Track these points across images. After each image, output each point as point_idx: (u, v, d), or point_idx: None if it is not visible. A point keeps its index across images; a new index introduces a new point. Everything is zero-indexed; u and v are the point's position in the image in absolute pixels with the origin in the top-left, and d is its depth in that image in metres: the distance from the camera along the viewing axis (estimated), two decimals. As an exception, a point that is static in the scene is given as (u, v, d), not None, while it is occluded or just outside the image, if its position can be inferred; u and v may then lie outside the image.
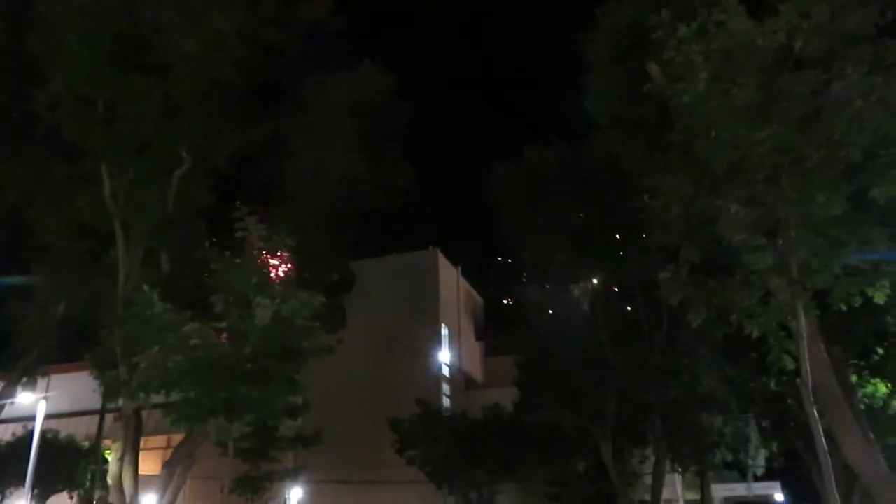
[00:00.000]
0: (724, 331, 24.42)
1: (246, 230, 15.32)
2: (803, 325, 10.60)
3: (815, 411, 10.66)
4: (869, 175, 10.02)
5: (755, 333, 11.32)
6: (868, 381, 25.04)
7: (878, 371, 24.65)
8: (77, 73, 18.51)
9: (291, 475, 33.58)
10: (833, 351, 12.64)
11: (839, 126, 9.76)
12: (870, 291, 11.04)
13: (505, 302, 44.65)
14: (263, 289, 14.70)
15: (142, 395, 15.84)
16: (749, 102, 10.23)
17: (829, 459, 10.61)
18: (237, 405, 14.66)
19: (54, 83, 19.08)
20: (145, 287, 15.14)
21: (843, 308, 11.31)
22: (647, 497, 29.56)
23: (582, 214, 25.47)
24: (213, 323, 15.08)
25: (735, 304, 11.34)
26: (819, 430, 10.56)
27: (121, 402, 19.79)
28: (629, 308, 28.54)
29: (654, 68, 13.33)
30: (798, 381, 11.19)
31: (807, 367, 10.73)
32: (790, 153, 10.09)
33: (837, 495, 10.49)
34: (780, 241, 10.63)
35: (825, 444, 10.48)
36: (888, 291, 10.96)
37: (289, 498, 37.08)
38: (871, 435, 14.42)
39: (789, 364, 11.31)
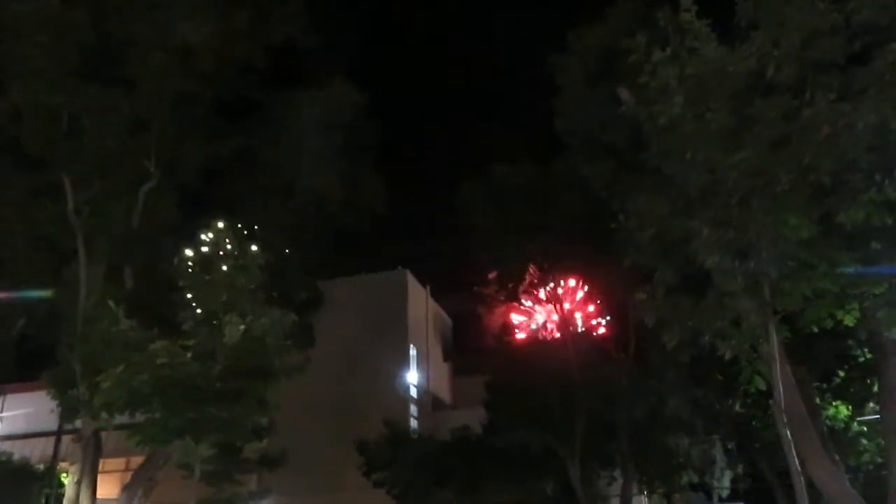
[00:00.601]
0: (691, 353, 24.80)
1: (215, 245, 15.02)
2: (775, 346, 10.74)
3: (787, 432, 10.77)
4: (837, 199, 10.25)
5: (728, 355, 11.44)
6: (830, 404, 25.50)
7: (840, 394, 25.11)
8: (41, 84, 18.10)
9: (256, 498, 32.80)
10: (798, 372, 12.83)
11: (809, 151, 9.98)
12: (839, 314, 11.25)
13: (473, 321, 44.63)
14: (233, 306, 14.40)
15: (104, 415, 15.32)
16: (722, 126, 10.44)
17: (802, 479, 10.71)
18: (205, 425, 14.28)
19: (17, 94, 18.63)
20: (110, 303, 14.72)
21: (815, 329, 11.50)
22: (615, 519, 29.55)
23: (550, 235, 25.61)
24: (181, 341, 14.70)
25: (708, 325, 11.44)
26: (792, 451, 10.68)
27: (79, 422, 19.17)
28: (596, 329, 28.71)
29: (625, 93, 13.53)
30: (771, 402, 11.32)
31: (779, 388, 10.88)
32: (762, 176, 10.28)
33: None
34: (752, 264, 10.79)
35: (798, 464, 10.57)
36: (857, 314, 11.17)
37: (252, 522, 36.23)
38: (836, 456, 14.62)
39: (760, 385, 11.45)
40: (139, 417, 14.80)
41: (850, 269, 10.21)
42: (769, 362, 10.89)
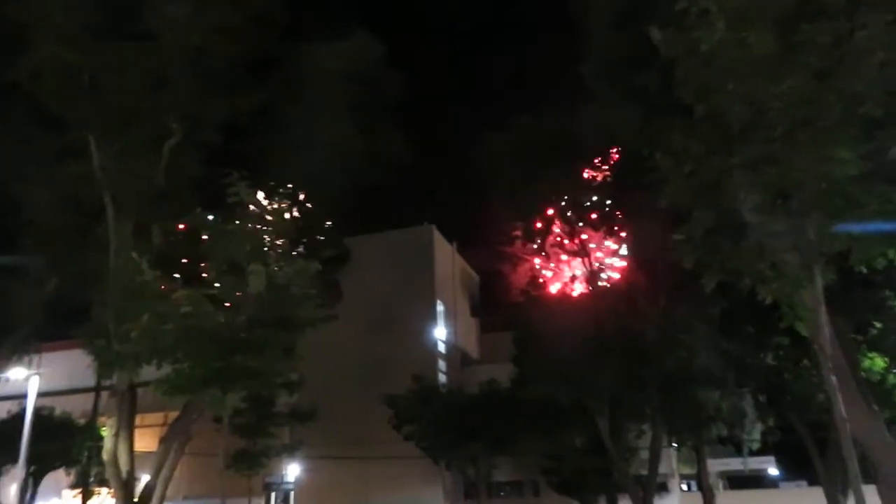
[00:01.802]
0: (723, 305, 24.40)
1: (238, 196, 14.89)
2: (820, 289, 10.31)
3: (833, 378, 10.41)
4: (889, 133, 9.62)
5: (768, 300, 10.99)
6: (865, 356, 24.97)
7: (876, 345, 24.54)
8: (60, 42, 17.93)
9: (288, 451, 33.58)
10: (835, 323, 12.38)
11: (860, 79, 9.33)
12: (891, 254, 10.71)
13: (500, 277, 44.48)
14: (257, 256, 14.31)
15: (133, 365, 15.45)
16: (767, 53, 9.79)
17: (848, 426, 10.37)
18: (231, 375, 14.32)
19: (37, 52, 18.50)
20: (134, 254, 14.73)
21: (863, 270, 10.97)
22: (643, 471, 29.62)
23: (577, 186, 25.13)
24: (207, 291, 14.68)
25: (748, 268, 10.97)
26: (838, 397, 10.31)
27: (115, 378, 19.52)
28: (626, 282, 28.33)
29: (656, 32, 12.91)
30: (816, 348, 10.89)
31: (825, 333, 10.45)
32: (809, 107, 9.66)
33: (856, 463, 10.27)
34: (795, 203, 10.27)
35: (844, 412, 10.23)
36: None
37: (286, 474, 37.15)
38: (875, 407, 14.25)
39: (803, 331, 11.00)
40: (166, 368, 14.89)
41: None
42: (814, 307, 10.45)
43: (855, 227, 9.95)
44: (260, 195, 15.51)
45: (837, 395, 10.27)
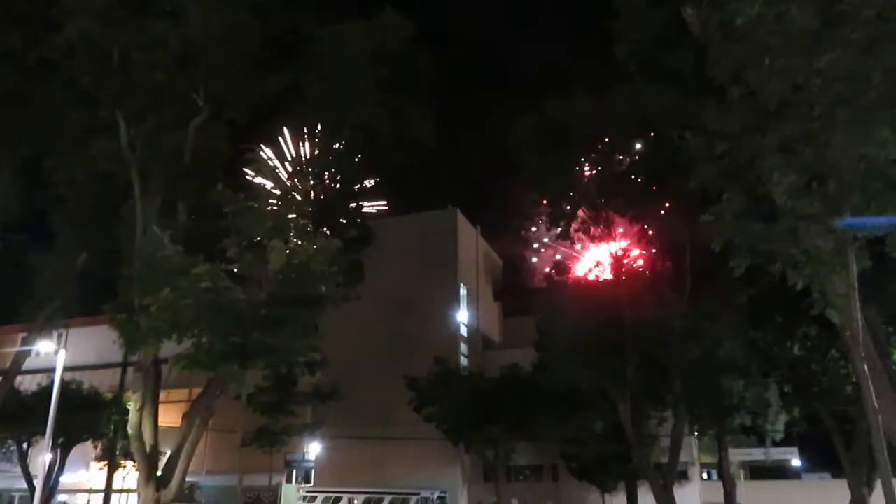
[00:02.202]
0: (749, 293, 24.05)
1: (260, 171, 14.93)
2: (854, 275, 10.04)
3: (864, 367, 10.16)
4: None
5: (799, 285, 10.73)
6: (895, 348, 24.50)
7: (907, 336, 24.01)
8: (92, 19, 18.05)
9: (309, 429, 33.93)
10: (866, 312, 12.08)
11: None
12: None
13: (524, 261, 44.32)
14: (278, 233, 14.32)
15: (154, 340, 15.58)
16: (807, 27, 9.48)
17: (879, 418, 10.14)
18: (250, 351, 14.36)
19: (68, 29, 18.66)
20: (156, 228, 14.83)
21: None
22: (664, 459, 29.46)
23: (605, 171, 24.83)
24: (227, 266, 14.73)
25: (781, 252, 10.69)
26: (869, 386, 10.08)
27: (140, 353, 19.79)
28: (652, 268, 28.04)
29: (689, 13, 12.62)
30: (848, 335, 10.63)
31: (858, 320, 10.20)
32: (850, 83, 9.34)
33: (886, 455, 10.05)
34: (832, 185, 9.98)
35: (875, 402, 10.00)
36: None
37: (307, 452, 37.58)
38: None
39: (834, 318, 10.73)
40: (186, 343, 14.97)
41: None
42: (847, 293, 10.17)
43: (893, 212, 9.64)
44: (283, 174, 15.51)
45: (869, 385, 10.03)
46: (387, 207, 35.97)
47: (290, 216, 14.81)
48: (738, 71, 10.55)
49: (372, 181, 23.69)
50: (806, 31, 9.59)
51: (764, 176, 10.69)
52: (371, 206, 29.58)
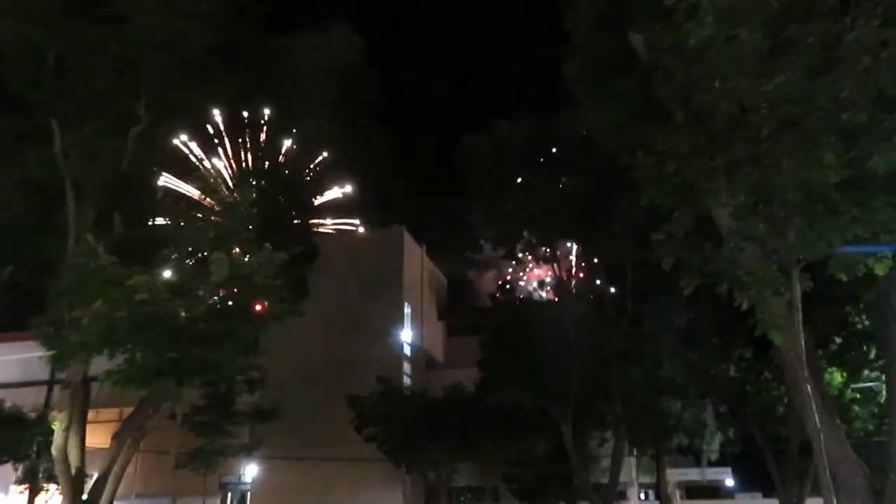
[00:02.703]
0: (688, 315, 24.65)
1: (203, 182, 14.47)
2: (798, 296, 10.33)
3: (808, 387, 10.43)
4: (872, 140, 9.66)
5: (745, 305, 10.97)
6: (825, 370, 25.43)
7: (835, 360, 25.00)
8: (27, 20, 17.35)
9: (246, 450, 32.92)
10: (803, 335, 12.47)
11: (847, 83, 9.38)
12: (870, 262, 10.74)
13: (468, 281, 44.48)
14: (221, 244, 13.85)
15: (83, 355, 14.80)
16: (757, 50, 9.80)
17: (822, 437, 10.38)
18: (187, 367, 13.78)
19: (3, 31, 17.88)
20: (89, 237, 14.18)
21: (844, 278, 11.04)
22: (604, 479, 29.73)
23: (551, 192, 25.15)
24: (166, 279, 14.16)
25: (727, 272, 10.93)
26: (812, 405, 10.33)
27: (67, 370, 18.87)
28: (594, 290, 28.49)
29: (636, 38, 12.94)
30: (791, 356, 10.90)
31: (800, 342, 10.48)
32: (797, 106, 9.68)
33: (829, 475, 10.28)
34: (776, 207, 10.28)
35: (818, 422, 10.24)
36: (890, 263, 10.66)
37: (243, 473, 36.43)
38: (838, 420, 14.42)
39: (778, 339, 10.99)
40: (118, 358, 14.25)
41: (885, 215, 9.64)
42: (790, 314, 10.45)
43: (835, 235, 10.00)
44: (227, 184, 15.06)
45: (812, 405, 10.29)
46: (342, 227, 35.57)
47: (232, 223, 14.29)
48: (688, 93, 10.84)
49: (319, 198, 23.42)
50: (756, 55, 9.93)
51: (710, 197, 10.96)
52: (321, 225, 29.18)
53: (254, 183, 17.34)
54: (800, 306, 10.49)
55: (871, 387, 24.35)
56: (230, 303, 14.20)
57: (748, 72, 9.98)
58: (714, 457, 36.28)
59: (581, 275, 29.81)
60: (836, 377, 25.45)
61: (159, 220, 15.05)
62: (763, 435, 26.93)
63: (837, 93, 9.51)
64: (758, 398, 26.62)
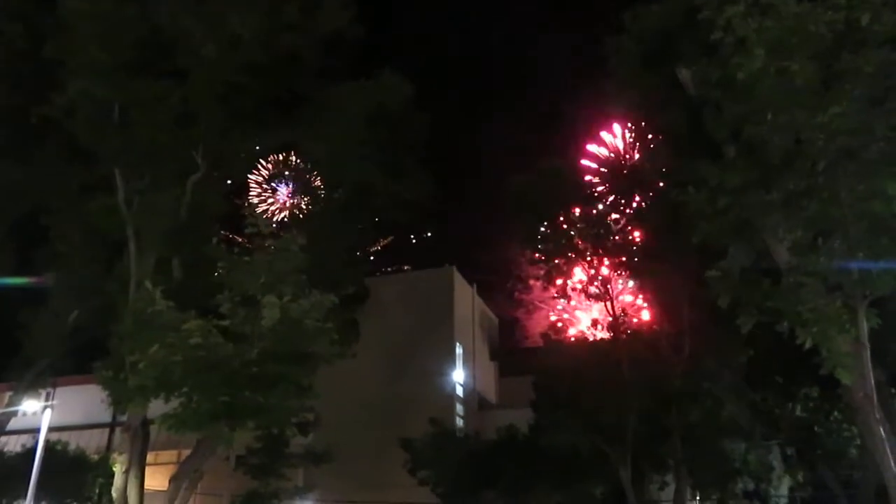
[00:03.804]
0: (749, 354, 23.81)
1: (255, 227, 14.79)
2: (865, 333, 9.85)
3: (881, 429, 9.86)
4: None
5: (807, 343, 10.49)
6: (900, 409, 24.14)
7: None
8: (94, 77, 18.33)
9: (301, 493, 32.90)
10: (875, 372, 11.84)
11: None
12: None
13: (520, 320, 44.07)
14: (272, 288, 14.07)
15: (141, 399, 15.15)
16: (809, 81, 9.59)
17: None
18: (240, 411, 13.92)
19: (71, 87, 18.93)
20: (147, 283, 14.63)
21: None
22: (666, 525, 28.60)
23: (603, 229, 24.90)
24: (218, 322, 14.43)
25: (788, 309, 10.48)
26: (887, 450, 9.74)
27: (127, 413, 19.32)
28: (650, 328, 27.85)
29: (684, 74, 12.84)
30: (861, 396, 10.36)
31: (870, 379, 9.96)
32: (855, 137, 9.38)
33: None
34: (837, 242, 9.90)
35: (894, 467, 9.64)
36: None
37: (297, 517, 36.37)
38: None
39: (846, 378, 10.47)
40: (174, 403, 14.51)
41: None
42: (857, 352, 9.95)
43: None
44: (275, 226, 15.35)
45: (886, 448, 9.69)
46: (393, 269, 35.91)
47: (284, 267, 14.55)
48: (739, 126, 10.63)
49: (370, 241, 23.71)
50: (809, 86, 9.71)
51: (767, 232, 10.63)
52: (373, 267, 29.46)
53: (305, 227, 17.67)
54: (867, 343, 9.98)
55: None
56: (282, 346, 14.35)
57: (801, 103, 9.75)
58: (783, 502, 34.48)
59: (635, 311, 29.19)
60: (914, 417, 24.12)
61: (217, 265, 15.42)
62: (835, 479, 25.53)
63: None
64: (827, 439, 25.37)
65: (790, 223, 10.15)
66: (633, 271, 25.85)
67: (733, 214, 10.68)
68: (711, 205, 10.80)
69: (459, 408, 40.20)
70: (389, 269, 38.63)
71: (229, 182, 20.91)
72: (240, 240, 15.11)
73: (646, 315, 28.98)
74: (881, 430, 10.02)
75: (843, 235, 9.74)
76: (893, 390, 23.12)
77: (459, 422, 39.17)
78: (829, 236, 10.14)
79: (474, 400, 42.50)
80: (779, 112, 9.95)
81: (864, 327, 10.02)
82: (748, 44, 9.89)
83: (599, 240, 24.94)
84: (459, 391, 40.80)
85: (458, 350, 41.32)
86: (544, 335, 30.32)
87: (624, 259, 25.29)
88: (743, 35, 9.97)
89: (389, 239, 29.60)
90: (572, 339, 31.31)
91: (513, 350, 45.51)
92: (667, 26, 13.39)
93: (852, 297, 9.95)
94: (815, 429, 25.37)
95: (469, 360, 42.58)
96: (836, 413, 24.72)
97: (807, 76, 9.61)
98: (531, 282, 29.88)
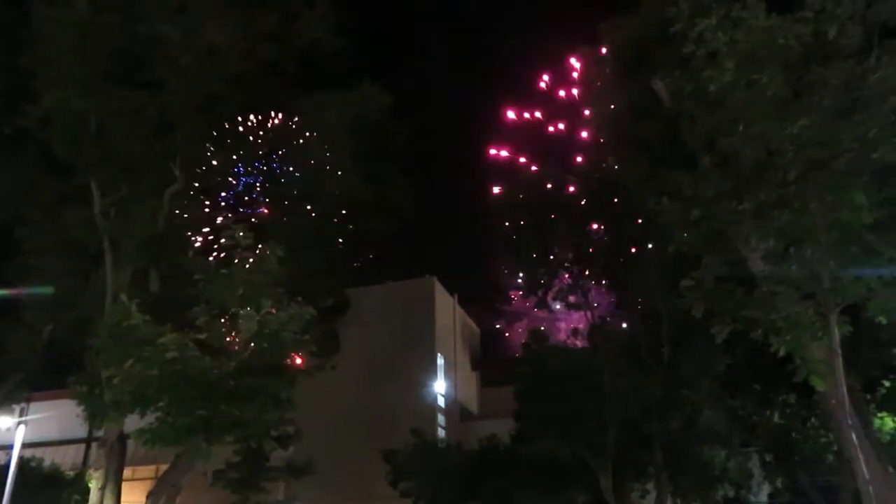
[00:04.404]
0: (727, 361, 24.05)
1: (233, 239, 14.67)
2: (836, 341, 10.02)
3: (853, 435, 10.01)
4: None
5: (781, 351, 10.65)
6: (875, 415, 24.47)
7: (885, 405, 24.08)
8: (71, 88, 18.15)
9: (281, 507, 32.60)
10: (848, 379, 12.03)
11: (874, 123, 9.28)
12: None
13: (499, 327, 44.11)
14: (250, 300, 13.96)
15: (115, 413, 14.93)
16: (779, 94, 9.79)
17: (871, 489, 9.92)
18: (218, 425, 13.75)
19: (47, 98, 18.72)
20: (122, 297, 14.46)
21: (883, 321, 10.70)
22: (648, 533, 28.69)
23: (582, 238, 25.09)
24: (195, 335, 14.29)
25: (761, 318, 10.63)
26: (859, 456, 9.89)
27: (104, 428, 19.05)
28: (629, 337, 28.03)
29: (659, 85, 13.02)
30: (833, 403, 10.52)
31: (842, 387, 10.12)
32: (824, 148, 9.59)
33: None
34: (809, 251, 10.08)
35: (865, 472, 9.79)
36: None
37: (278, 530, 35.97)
38: (891, 468, 13.78)
39: (818, 385, 10.63)
40: (150, 417, 14.31)
41: None
42: (830, 359, 10.12)
43: (872, 276, 9.72)
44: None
45: (859, 454, 9.85)
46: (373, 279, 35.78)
47: (262, 279, 14.44)
48: (712, 138, 10.81)
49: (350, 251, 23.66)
50: (779, 98, 9.91)
51: (740, 241, 10.80)
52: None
53: (283, 238, 17.56)
54: (839, 351, 10.16)
55: (926, 432, 23.35)
56: (260, 359, 14.23)
57: (771, 115, 9.95)
58: (763, 508, 34.77)
59: (614, 321, 29.36)
60: (888, 422, 24.45)
61: (194, 278, 15.26)
62: (812, 485, 25.80)
63: (865, 133, 9.41)
64: (805, 446, 25.65)
65: (762, 233, 10.33)
66: (612, 280, 26.04)
67: (707, 224, 10.85)
68: (686, 215, 10.96)
69: (441, 418, 40.08)
70: (370, 280, 38.45)
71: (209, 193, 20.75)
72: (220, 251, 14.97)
73: (625, 324, 29.15)
74: (853, 435, 10.18)
75: (815, 245, 9.94)
76: (868, 396, 23.50)
77: (441, 432, 39.05)
78: (800, 245, 10.34)
79: (456, 410, 42.42)
80: (750, 123, 10.15)
81: (836, 335, 10.19)
82: (719, 56, 10.09)
83: (579, 249, 25.09)
84: (441, 402, 40.71)
85: (440, 361, 41.24)
86: (525, 344, 30.42)
87: (603, 268, 25.46)
88: (714, 48, 10.18)
89: (370, 250, 29.56)
90: (552, 347, 31.44)
91: (494, 360, 45.51)
92: (643, 37, 13.58)
93: (824, 305, 10.13)
94: (793, 435, 25.63)
95: (451, 371, 42.51)
96: (813, 419, 25.03)
97: (776, 88, 9.82)
98: (511, 293, 29.96)
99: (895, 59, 9.39)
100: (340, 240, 22.64)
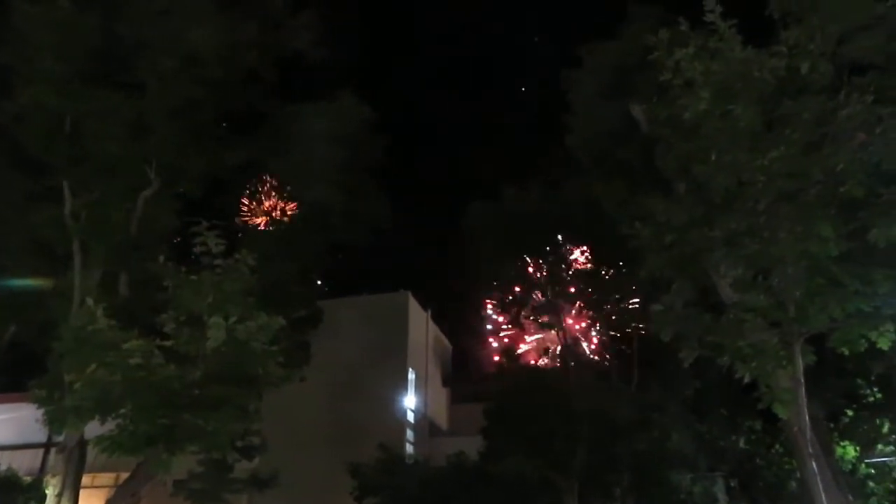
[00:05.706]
0: (696, 385, 24.34)
1: (205, 245, 14.45)
2: (800, 369, 10.19)
3: (813, 464, 10.16)
4: (870, 214, 9.72)
5: (746, 378, 10.81)
6: (837, 444, 24.85)
7: (848, 434, 24.48)
8: (47, 86, 17.89)
9: (244, 519, 32.04)
10: (811, 407, 12.24)
11: (842, 157, 9.52)
12: (873, 336, 10.62)
13: (474, 347, 44.09)
14: (219, 308, 13.75)
15: (75, 419, 14.57)
16: (751, 125, 10.00)
17: None
18: (179, 434, 13.46)
19: (23, 95, 18.42)
20: (88, 300, 14.16)
21: (846, 352, 10.91)
22: (612, 555, 28.67)
23: (557, 259, 25.25)
24: (162, 342, 14.04)
25: (728, 345, 10.79)
26: (818, 483, 10.03)
27: (64, 434, 18.60)
28: (600, 357, 28.22)
29: (637, 109, 13.22)
30: (795, 430, 10.68)
31: (804, 415, 10.28)
32: (793, 180, 9.81)
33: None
34: (776, 280, 10.27)
35: (824, 500, 9.92)
36: (893, 337, 10.53)
37: (239, 544, 35.31)
38: (851, 497, 13.99)
39: (781, 413, 10.79)
40: (111, 424, 13.98)
41: (885, 288, 9.61)
42: (793, 387, 10.29)
43: (834, 309, 9.93)
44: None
45: (818, 482, 10.00)
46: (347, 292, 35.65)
47: (232, 287, 14.24)
48: (685, 164, 11.01)
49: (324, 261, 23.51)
50: (751, 129, 10.13)
51: (710, 268, 10.96)
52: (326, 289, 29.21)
53: (257, 247, 17.39)
54: (802, 380, 10.33)
55: (885, 462, 23.73)
56: (226, 368, 14.01)
57: (743, 146, 10.17)
58: (727, 533, 34.95)
59: (586, 342, 29.52)
60: (850, 451, 24.83)
61: (165, 284, 15.00)
62: (775, 511, 26.11)
63: (833, 167, 9.65)
64: (768, 472, 25.97)
65: (732, 260, 10.52)
66: (585, 301, 26.23)
67: (679, 250, 11.02)
68: (659, 240, 11.12)
69: (410, 434, 39.85)
70: (344, 292, 38.29)
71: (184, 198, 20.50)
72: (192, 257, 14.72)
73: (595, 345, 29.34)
74: (814, 464, 10.33)
75: (782, 274, 10.13)
76: (831, 425, 23.86)
77: (410, 448, 38.80)
78: (768, 274, 10.52)
79: (425, 426, 42.22)
80: (723, 152, 10.36)
81: (800, 363, 10.37)
82: (695, 86, 10.30)
83: (554, 268, 25.26)
84: (411, 417, 40.51)
85: (411, 375, 41.09)
86: (496, 362, 30.45)
87: (575, 289, 25.64)
88: (691, 77, 10.39)
89: (345, 262, 29.53)
90: (524, 366, 31.51)
91: (466, 377, 45.47)
92: (622, 63, 13.79)
93: (789, 335, 10.31)
94: (757, 461, 25.94)
95: (421, 386, 42.36)
96: (777, 446, 25.36)
97: (749, 120, 10.05)
98: (483, 312, 30.01)
99: (863, 96, 9.66)
100: (314, 251, 22.48)
